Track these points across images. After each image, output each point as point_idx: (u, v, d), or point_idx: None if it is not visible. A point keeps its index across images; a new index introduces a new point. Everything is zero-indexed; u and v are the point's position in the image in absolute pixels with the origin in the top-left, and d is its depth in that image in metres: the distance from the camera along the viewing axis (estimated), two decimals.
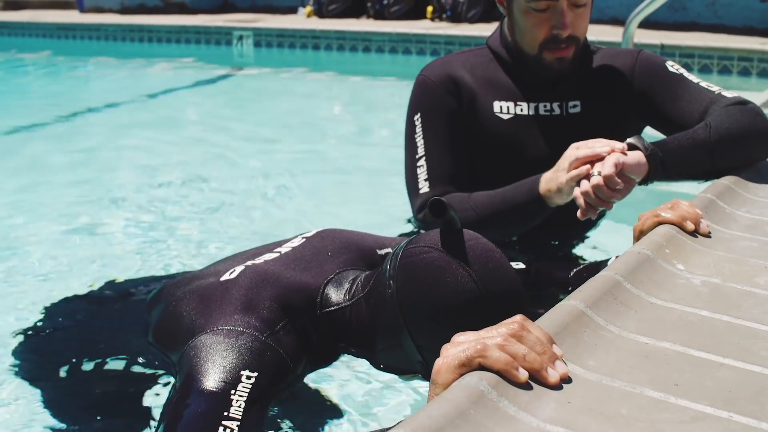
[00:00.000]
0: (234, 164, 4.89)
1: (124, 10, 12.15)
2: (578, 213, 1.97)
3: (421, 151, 2.30)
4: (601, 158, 1.97)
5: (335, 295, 1.67)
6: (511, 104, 2.31)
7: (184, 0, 11.71)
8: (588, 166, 1.98)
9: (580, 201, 1.96)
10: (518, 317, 1.16)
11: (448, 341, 1.20)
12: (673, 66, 2.34)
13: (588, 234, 2.54)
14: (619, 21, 7.83)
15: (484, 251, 1.50)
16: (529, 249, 2.38)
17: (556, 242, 2.49)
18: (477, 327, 1.24)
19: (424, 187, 2.26)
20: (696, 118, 2.21)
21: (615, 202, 1.98)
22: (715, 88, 2.26)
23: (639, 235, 1.78)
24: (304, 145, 5.40)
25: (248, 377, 1.48)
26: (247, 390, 1.46)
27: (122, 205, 4.10)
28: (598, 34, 6.72)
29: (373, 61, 8.31)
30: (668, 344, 1.28)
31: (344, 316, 1.64)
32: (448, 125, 2.30)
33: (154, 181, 4.56)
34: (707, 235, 1.76)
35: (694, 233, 1.75)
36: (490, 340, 1.12)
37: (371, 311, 1.59)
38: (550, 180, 2.06)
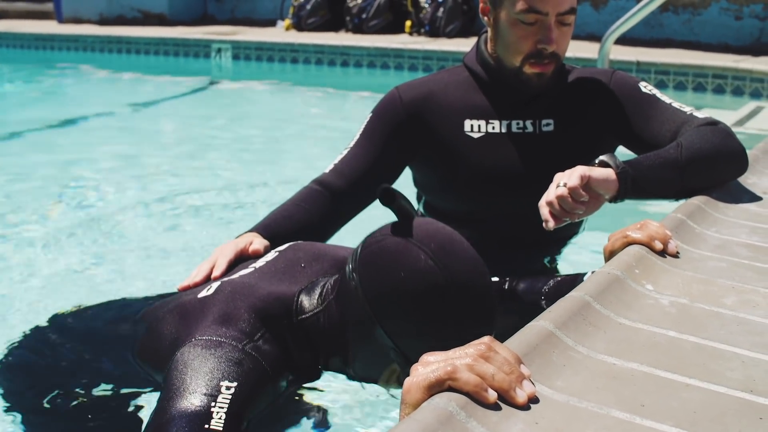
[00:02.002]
0: (212, 176, 4.89)
1: (102, 21, 12.13)
2: (544, 223, 1.99)
3: (351, 143, 2.36)
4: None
5: (308, 301, 1.68)
6: (482, 122, 2.33)
7: (163, 11, 11.70)
8: (557, 176, 2.00)
9: (544, 210, 1.98)
10: (486, 338, 1.18)
11: (416, 325, 1.25)
12: (646, 87, 2.37)
13: (562, 251, 2.56)
14: (596, 37, 7.89)
15: (439, 231, 1.56)
16: (503, 264, 2.39)
17: (531, 259, 2.51)
18: (440, 307, 1.33)
19: (327, 169, 2.33)
20: (668, 138, 2.24)
21: (582, 218, 2.00)
22: (687, 109, 2.29)
23: (609, 255, 1.80)
24: (283, 158, 5.41)
25: (228, 388, 1.48)
26: (227, 401, 1.46)
27: (97, 216, 4.09)
28: (575, 50, 6.76)
29: (351, 75, 8.34)
30: (635, 365, 1.30)
31: (318, 321, 1.65)
32: (386, 139, 2.33)
33: (129, 192, 4.56)
34: (676, 256, 1.78)
35: (663, 253, 1.77)
36: (458, 360, 1.13)
37: (341, 309, 1.60)
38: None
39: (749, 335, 1.42)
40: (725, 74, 6.61)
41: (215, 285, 1.73)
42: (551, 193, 1.96)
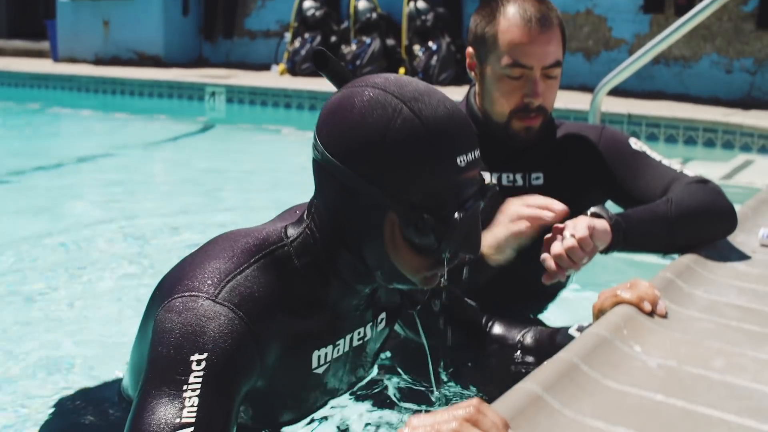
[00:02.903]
0: (204, 219, 4.89)
1: (98, 61, 12.19)
2: (544, 277, 1.99)
3: None
4: (544, 221, 2.01)
5: (295, 228, 1.54)
6: None
7: (158, 53, 11.77)
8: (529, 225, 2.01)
9: (550, 263, 1.97)
10: (474, 400, 1.17)
11: (390, 154, 1.33)
12: (636, 143, 2.38)
13: (548, 305, 2.56)
14: (588, 88, 7.96)
15: (382, 74, 1.49)
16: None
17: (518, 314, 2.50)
18: (408, 139, 1.34)
19: None
20: (657, 194, 2.25)
21: (577, 270, 2.01)
22: (676, 167, 2.31)
23: (598, 312, 1.80)
24: (275, 202, 5.41)
25: (198, 362, 1.33)
26: (199, 381, 1.31)
27: (90, 258, 4.09)
28: (566, 101, 6.82)
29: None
30: (622, 429, 1.29)
31: (312, 236, 1.51)
32: None
33: (122, 234, 4.55)
34: (664, 316, 1.79)
35: (652, 314, 1.77)
36: (445, 425, 1.13)
37: (325, 202, 1.48)
38: (488, 237, 2.07)
39: (736, 400, 1.42)
40: (716, 128, 6.65)
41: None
42: (558, 245, 1.95)
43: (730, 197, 2.28)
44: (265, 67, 11.02)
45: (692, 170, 2.32)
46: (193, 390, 1.30)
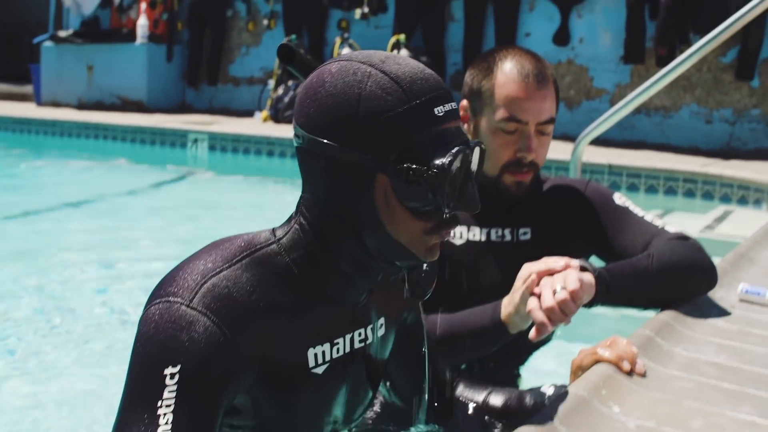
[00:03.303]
0: None
1: (81, 106, 12.20)
2: (532, 332, 1.92)
3: None
4: (553, 272, 1.98)
5: (285, 226, 1.50)
6: (464, 229, 2.34)
7: (141, 99, 11.79)
8: (537, 279, 1.98)
9: (538, 315, 1.91)
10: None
11: (370, 118, 1.32)
12: (620, 198, 2.40)
13: (528, 360, 2.55)
14: (570, 137, 8.00)
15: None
16: (469, 371, 2.38)
17: (499, 368, 2.50)
18: (382, 96, 1.33)
19: None
20: (639, 250, 2.27)
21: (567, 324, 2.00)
22: (659, 223, 2.32)
23: (577, 369, 1.80)
24: None
25: (171, 376, 1.29)
26: (173, 396, 1.28)
27: (69, 303, 4.06)
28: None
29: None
30: None
31: (303, 228, 1.47)
32: None
33: (103, 281, 4.53)
34: (643, 375, 1.79)
35: (630, 372, 1.77)
36: None
37: (311, 188, 1.45)
38: (508, 304, 2.05)
39: None
40: (695, 178, 6.70)
41: None
42: (549, 299, 1.92)
43: (710, 249, 2.29)
44: (249, 113, 11.06)
45: (674, 226, 2.33)
46: (168, 406, 1.27)
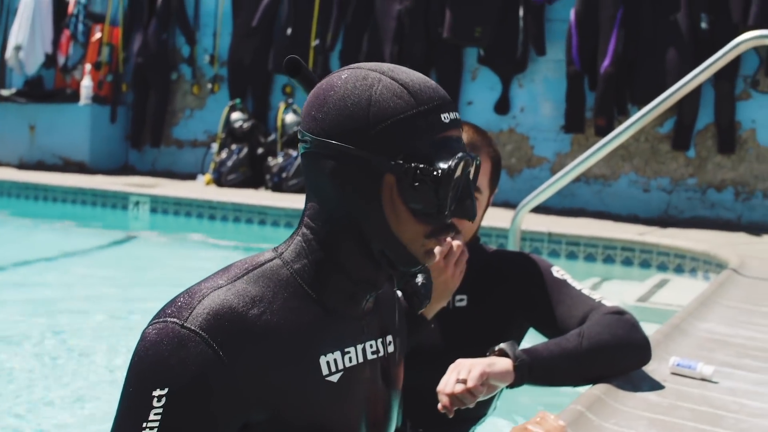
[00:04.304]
0: (123, 333, 4.82)
1: (22, 166, 12.05)
2: (439, 405, 2.03)
3: None
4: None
5: (288, 241, 1.52)
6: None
7: (83, 159, 11.69)
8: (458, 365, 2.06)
9: (443, 398, 2.03)
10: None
11: (377, 120, 1.38)
12: (558, 271, 2.44)
13: (472, 429, 2.56)
14: (511, 205, 8.09)
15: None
16: None
17: None
18: (392, 99, 1.39)
19: None
20: (575, 323, 2.30)
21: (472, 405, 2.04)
22: (596, 296, 2.36)
23: None
24: None
25: (159, 398, 1.30)
26: (158, 420, 1.28)
27: (3, 366, 3.99)
28: (489, 218, 6.90)
29: (269, 233, 8.36)
30: None
31: (307, 237, 1.49)
32: None
33: (40, 345, 4.46)
34: None
35: None
36: None
37: (317, 193, 1.48)
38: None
39: None
40: (633, 247, 6.80)
41: None
42: (450, 386, 2.00)
43: (646, 317, 2.34)
44: (192, 176, 11.02)
45: (610, 300, 2.37)
46: (151, 429, 1.28)
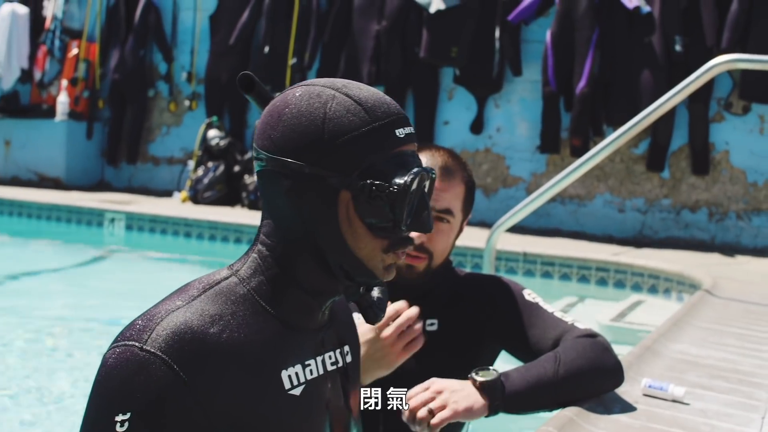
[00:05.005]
0: (98, 351, 4.79)
1: None
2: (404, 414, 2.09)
3: None
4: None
5: (243, 258, 1.52)
6: None
7: (59, 175, 11.65)
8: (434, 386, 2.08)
9: (411, 402, 2.09)
10: None
11: (332, 135, 1.39)
12: (530, 294, 2.45)
13: None
14: (487, 224, 8.13)
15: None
16: None
17: None
18: (347, 116, 1.41)
19: None
20: (548, 347, 2.31)
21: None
22: (568, 319, 2.37)
23: None
24: None
25: (121, 423, 1.29)
26: None
27: None
28: (464, 238, 6.91)
29: (245, 250, 8.36)
30: None
31: (262, 254, 1.50)
32: None
33: (14, 362, 4.43)
34: None
35: None
36: None
37: (273, 211, 1.49)
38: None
39: None
40: (608, 267, 6.84)
41: None
42: (418, 406, 2.04)
43: (620, 338, 2.35)
44: (168, 193, 11.00)
45: (582, 323, 2.38)
46: None
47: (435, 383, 2.12)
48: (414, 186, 1.44)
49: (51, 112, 11.78)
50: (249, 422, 1.40)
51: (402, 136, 1.46)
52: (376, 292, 1.64)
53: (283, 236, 1.48)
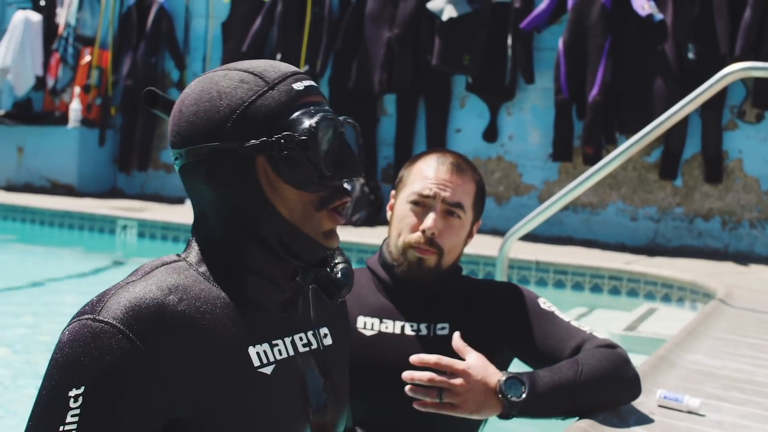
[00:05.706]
0: None
1: (9, 188, 12.03)
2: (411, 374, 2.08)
3: None
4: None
5: (187, 249, 1.51)
6: (375, 321, 2.37)
7: (71, 182, 11.68)
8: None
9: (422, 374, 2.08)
10: None
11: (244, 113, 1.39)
12: (545, 303, 2.43)
13: None
14: (499, 232, 8.12)
15: None
16: None
17: None
18: (240, 85, 1.41)
19: None
20: (566, 354, 2.28)
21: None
22: (586, 328, 2.35)
23: None
24: None
25: (75, 398, 1.23)
26: (75, 421, 1.22)
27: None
28: (476, 246, 6.90)
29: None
30: None
31: (202, 245, 1.48)
32: None
33: (29, 369, 4.43)
34: None
35: None
36: None
37: (201, 201, 1.48)
38: None
39: None
40: (620, 276, 6.81)
41: None
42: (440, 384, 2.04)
43: (634, 347, 2.33)
44: (180, 200, 11.01)
45: (600, 333, 2.36)
46: (69, 430, 1.22)
47: (470, 375, 2.07)
48: (324, 131, 1.42)
49: (63, 119, 11.82)
50: (213, 400, 1.35)
51: (301, 88, 1.45)
52: (339, 267, 1.65)
53: (215, 224, 1.47)
